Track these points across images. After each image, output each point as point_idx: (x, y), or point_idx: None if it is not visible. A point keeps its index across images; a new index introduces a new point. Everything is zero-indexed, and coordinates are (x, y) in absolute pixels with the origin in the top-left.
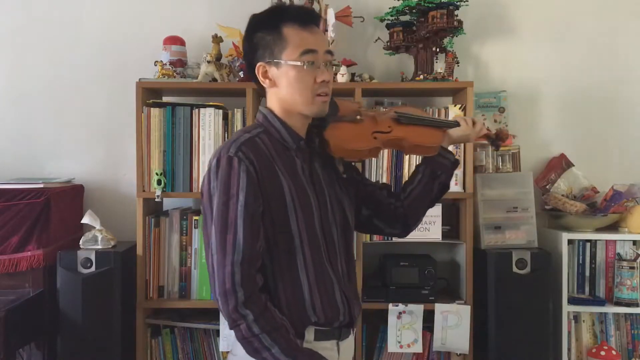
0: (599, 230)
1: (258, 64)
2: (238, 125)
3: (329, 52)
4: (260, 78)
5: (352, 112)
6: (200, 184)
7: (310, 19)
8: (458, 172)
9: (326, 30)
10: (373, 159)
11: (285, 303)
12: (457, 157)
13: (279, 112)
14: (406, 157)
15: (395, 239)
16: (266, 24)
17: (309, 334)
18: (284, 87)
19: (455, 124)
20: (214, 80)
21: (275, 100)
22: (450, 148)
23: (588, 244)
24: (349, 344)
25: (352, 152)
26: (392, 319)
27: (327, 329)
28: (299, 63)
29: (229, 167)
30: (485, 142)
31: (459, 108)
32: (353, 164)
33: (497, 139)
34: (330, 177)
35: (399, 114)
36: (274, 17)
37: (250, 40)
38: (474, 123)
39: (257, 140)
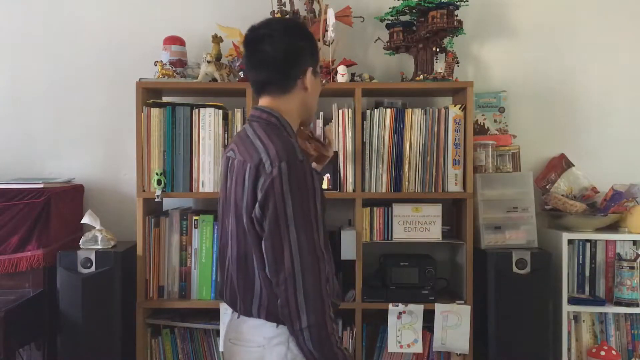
0: (599, 230)
1: (310, 68)
2: (238, 125)
3: None
4: (307, 81)
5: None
6: (200, 184)
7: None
8: (458, 172)
9: (326, 30)
10: (373, 160)
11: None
12: (457, 157)
13: (287, 114)
14: (406, 158)
15: (394, 239)
16: (310, 35)
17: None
18: (312, 95)
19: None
20: (214, 80)
21: (297, 103)
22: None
23: (588, 244)
24: None
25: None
26: (392, 319)
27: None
28: (323, 80)
29: (302, 170)
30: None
31: (459, 108)
32: None
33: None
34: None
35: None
36: (311, 33)
37: (296, 42)
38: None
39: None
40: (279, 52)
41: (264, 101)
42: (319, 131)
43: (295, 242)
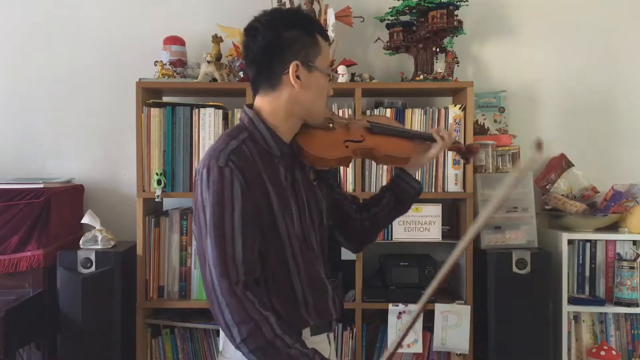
0: (599, 230)
1: (294, 62)
2: None
3: None
4: (291, 76)
5: (324, 119)
6: None
7: (329, 38)
8: (458, 172)
9: (326, 30)
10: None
11: (283, 313)
12: (457, 157)
13: (272, 114)
14: None
15: (394, 239)
16: (302, 25)
17: (306, 332)
18: (311, 92)
19: (429, 136)
20: (214, 80)
21: (284, 100)
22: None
23: (588, 244)
24: (335, 335)
25: (322, 160)
26: (392, 319)
27: (320, 322)
28: (329, 74)
29: (220, 177)
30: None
31: (459, 108)
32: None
33: (467, 153)
34: (309, 181)
35: (372, 124)
36: (309, 22)
37: (280, 33)
38: (449, 137)
39: (244, 148)
40: (259, 46)
41: (255, 100)
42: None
43: (210, 255)
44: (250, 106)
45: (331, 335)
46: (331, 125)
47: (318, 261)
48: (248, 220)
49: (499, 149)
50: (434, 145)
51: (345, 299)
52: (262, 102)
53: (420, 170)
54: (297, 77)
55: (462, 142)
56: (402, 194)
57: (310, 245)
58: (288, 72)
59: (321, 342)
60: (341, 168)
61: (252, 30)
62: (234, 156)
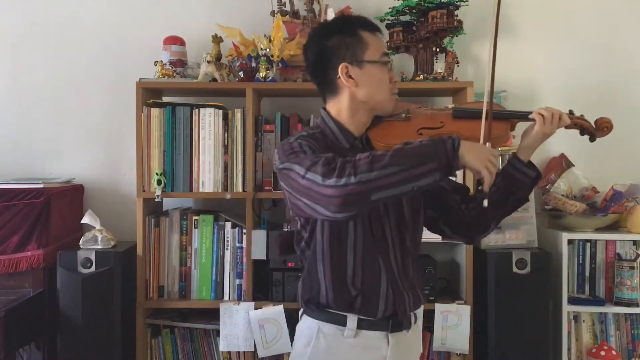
0: (599, 230)
1: (342, 64)
2: (238, 125)
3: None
4: (343, 77)
5: (401, 110)
6: (200, 184)
7: (377, 27)
8: (458, 172)
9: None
10: None
11: (330, 279)
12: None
13: (338, 114)
14: None
15: None
16: (342, 28)
17: (351, 321)
18: (367, 86)
19: (523, 115)
20: (214, 80)
21: (346, 101)
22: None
23: (588, 244)
24: (404, 338)
25: (391, 148)
26: None
27: (370, 319)
28: (381, 63)
29: (289, 146)
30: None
31: None
32: None
33: (596, 131)
34: None
35: (454, 108)
36: (348, 23)
37: (324, 44)
38: (551, 115)
39: (315, 136)
40: (311, 60)
41: (326, 105)
42: None
43: (298, 172)
44: (324, 108)
45: (392, 336)
46: (405, 115)
47: (388, 253)
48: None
49: (499, 149)
50: (535, 124)
51: None
52: (330, 106)
53: None
54: (350, 77)
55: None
56: (512, 181)
57: (376, 235)
58: (340, 75)
59: (374, 339)
60: None
61: (304, 48)
62: (305, 139)
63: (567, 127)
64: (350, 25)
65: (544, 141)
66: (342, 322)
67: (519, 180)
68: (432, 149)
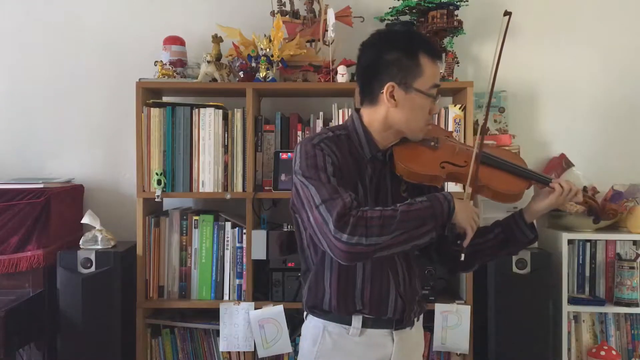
0: (599, 230)
1: (390, 83)
2: (238, 125)
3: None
4: (385, 96)
5: (430, 137)
6: (200, 184)
7: (440, 54)
8: None
9: (326, 30)
10: None
11: (336, 288)
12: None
13: (370, 123)
14: None
15: None
16: (404, 46)
17: (357, 321)
18: (405, 111)
19: (545, 180)
20: (214, 80)
21: (381, 116)
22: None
23: (588, 244)
24: (407, 336)
25: (409, 172)
26: None
27: (375, 317)
28: (428, 95)
29: (313, 150)
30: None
31: (459, 108)
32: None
33: (600, 214)
34: (398, 191)
35: (484, 153)
36: (412, 42)
37: (380, 56)
38: (569, 190)
39: (337, 140)
40: (362, 65)
41: (362, 107)
42: None
43: (314, 198)
44: (358, 110)
45: (397, 333)
46: (433, 144)
47: (395, 265)
48: (340, 180)
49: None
50: (551, 192)
51: None
52: (364, 112)
53: None
54: (393, 97)
55: (595, 201)
56: (511, 237)
57: None
58: (384, 92)
59: (379, 337)
60: None
61: (361, 46)
62: (327, 142)
63: (578, 203)
64: (413, 46)
65: (547, 209)
66: (347, 322)
67: (517, 239)
68: (431, 211)
